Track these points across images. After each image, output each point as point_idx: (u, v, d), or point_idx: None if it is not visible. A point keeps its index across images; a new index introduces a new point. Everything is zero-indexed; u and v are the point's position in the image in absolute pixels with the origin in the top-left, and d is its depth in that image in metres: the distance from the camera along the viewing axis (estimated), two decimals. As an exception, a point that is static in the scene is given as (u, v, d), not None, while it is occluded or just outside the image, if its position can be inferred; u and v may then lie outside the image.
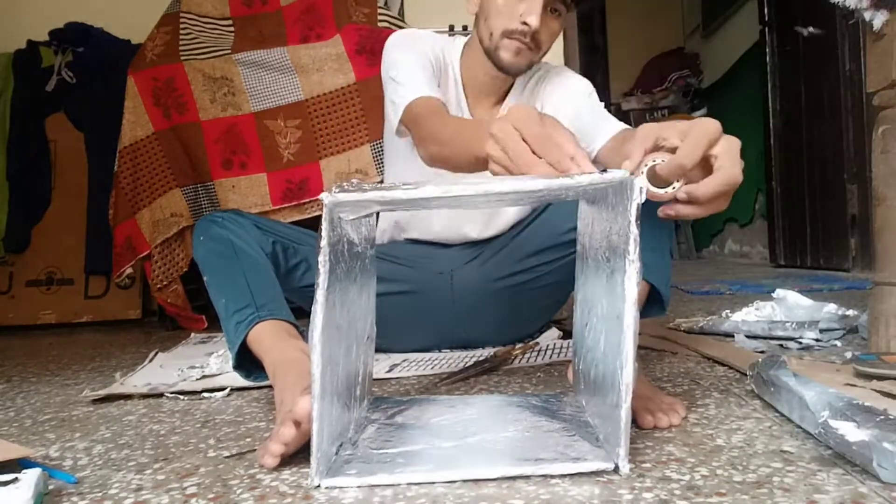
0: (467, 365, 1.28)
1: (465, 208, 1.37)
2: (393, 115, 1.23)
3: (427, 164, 1.10)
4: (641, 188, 0.68)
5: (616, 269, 0.72)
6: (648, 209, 0.69)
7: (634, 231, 0.68)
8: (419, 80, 1.21)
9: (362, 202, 0.72)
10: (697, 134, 0.75)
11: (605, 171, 0.71)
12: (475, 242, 1.45)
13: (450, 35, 1.48)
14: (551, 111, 1.32)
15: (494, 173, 0.80)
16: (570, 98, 1.35)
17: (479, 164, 0.86)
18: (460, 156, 0.95)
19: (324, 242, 0.69)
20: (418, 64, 1.25)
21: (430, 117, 1.12)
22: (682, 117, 5.04)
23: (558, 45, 2.89)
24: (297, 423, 0.76)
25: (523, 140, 0.75)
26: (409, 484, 0.70)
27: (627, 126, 1.25)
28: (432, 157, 1.07)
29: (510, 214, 1.44)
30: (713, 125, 0.76)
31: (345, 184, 0.73)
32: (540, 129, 0.75)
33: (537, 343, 1.47)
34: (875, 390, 0.91)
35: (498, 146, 0.77)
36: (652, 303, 1.12)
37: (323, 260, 0.69)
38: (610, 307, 0.75)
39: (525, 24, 1.20)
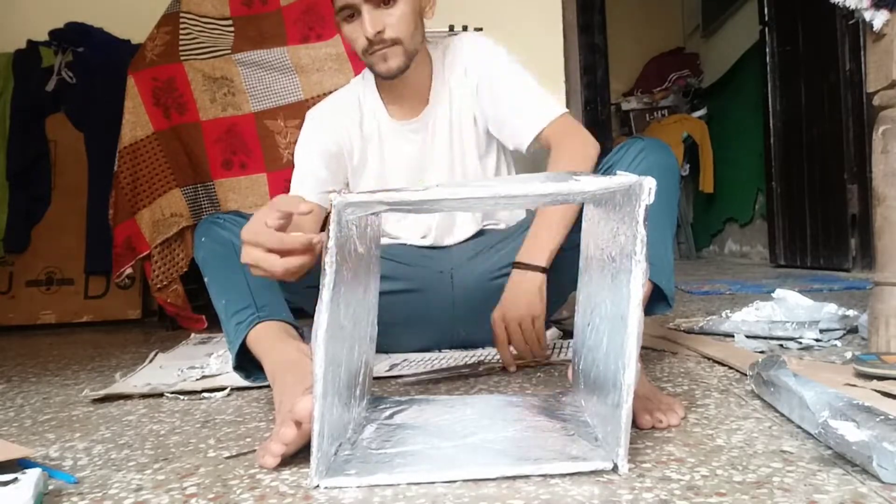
0: (467, 363, 1.28)
1: (472, 210, 1.39)
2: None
3: None
4: (650, 189, 0.68)
5: (622, 269, 0.73)
6: (651, 209, 0.69)
7: (642, 232, 0.68)
8: (304, 182, 1.37)
9: (371, 203, 0.72)
10: None
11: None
12: (474, 240, 1.45)
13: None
14: (470, 97, 1.39)
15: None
16: (485, 88, 1.38)
17: None
18: None
19: (331, 244, 0.69)
20: (309, 160, 1.39)
21: None
22: (682, 118, 5.04)
23: (558, 46, 2.87)
24: (298, 424, 0.76)
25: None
26: (408, 484, 0.70)
27: (557, 113, 1.31)
28: None
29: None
30: None
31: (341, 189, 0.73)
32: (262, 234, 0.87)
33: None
34: (875, 390, 0.91)
35: (251, 249, 0.88)
36: (657, 300, 1.12)
37: (330, 261, 0.69)
38: (614, 307, 0.75)
39: (366, 37, 1.24)
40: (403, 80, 1.34)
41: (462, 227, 1.46)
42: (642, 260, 0.68)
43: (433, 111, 1.40)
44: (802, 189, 3.49)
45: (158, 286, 2.22)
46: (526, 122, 1.32)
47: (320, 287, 0.69)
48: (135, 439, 0.94)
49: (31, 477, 0.69)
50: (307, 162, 1.39)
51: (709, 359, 1.28)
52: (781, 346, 1.37)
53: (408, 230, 1.47)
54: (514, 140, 1.36)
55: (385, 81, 1.36)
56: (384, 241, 1.47)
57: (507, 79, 1.37)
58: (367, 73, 1.44)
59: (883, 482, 0.64)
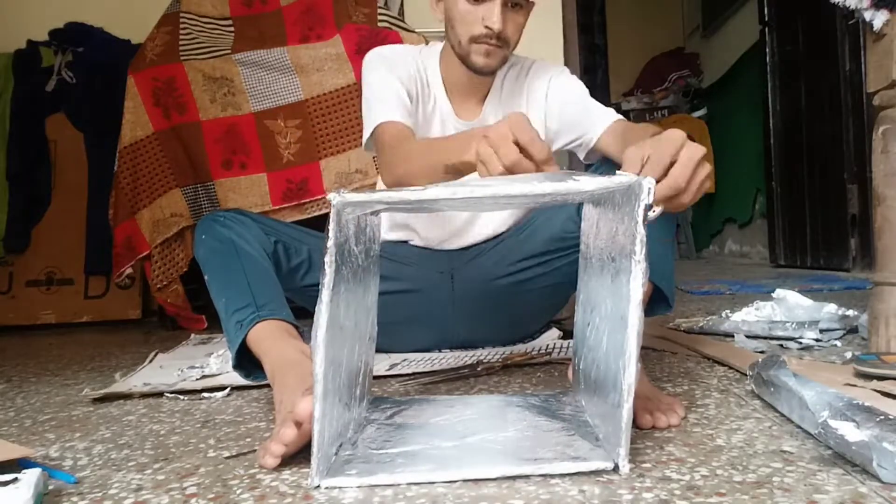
0: (466, 363, 1.28)
1: (470, 210, 1.38)
2: (365, 133, 1.27)
3: (391, 185, 1.16)
4: (650, 189, 0.68)
5: (621, 269, 0.73)
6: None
7: (641, 232, 0.68)
8: (389, 104, 1.25)
9: (369, 203, 0.72)
10: (672, 153, 0.79)
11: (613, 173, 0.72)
12: (476, 242, 1.45)
13: (426, 44, 1.51)
14: (537, 106, 1.36)
15: (481, 174, 0.86)
16: (555, 92, 1.36)
17: (450, 172, 0.96)
18: (429, 169, 1.01)
19: (330, 243, 0.69)
20: (390, 86, 1.28)
21: (395, 142, 1.18)
22: (682, 118, 5.04)
23: (558, 46, 2.88)
24: (299, 424, 0.76)
25: (515, 143, 0.82)
26: (409, 484, 0.70)
27: (619, 117, 1.28)
28: (399, 178, 1.13)
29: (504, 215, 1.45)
30: (678, 135, 0.80)
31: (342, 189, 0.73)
32: (532, 134, 0.82)
33: (549, 354, 1.40)
34: (875, 390, 0.91)
35: (489, 148, 0.83)
36: (657, 301, 1.12)
37: (329, 261, 0.69)
38: (614, 307, 0.75)
39: (488, 27, 1.21)
40: (476, 79, 1.32)
41: (482, 229, 1.44)
42: (642, 260, 0.68)
43: (485, 119, 1.36)
44: (802, 189, 3.49)
45: (158, 286, 2.22)
46: (598, 117, 1.29)
47: (320, 287, 0.69)
48: (135, 439, 0.94)
49: (31, 477, 0.69)
50: (387, 86, 1.28)
51: (709, 359, 1.28)
52: (781, 346, 1.37)
53: (429, 228, 1.44)
54: (585, 136, 1.30)
55: (455, 70, 1.33)
56: (397, 235, 1.47)
57: (579, 87, 1.36)
58: (426, 49, 1.40)
59: (883, 482, 0.64)
